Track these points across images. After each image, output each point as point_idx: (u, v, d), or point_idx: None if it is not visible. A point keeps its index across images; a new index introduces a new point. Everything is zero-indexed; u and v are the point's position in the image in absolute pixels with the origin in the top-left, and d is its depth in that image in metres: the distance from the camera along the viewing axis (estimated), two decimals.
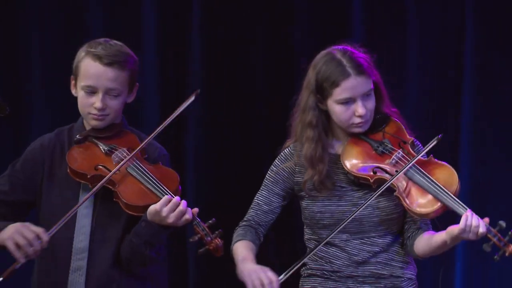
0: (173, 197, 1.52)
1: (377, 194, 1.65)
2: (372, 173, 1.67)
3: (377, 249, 1.72)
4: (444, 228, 1.66)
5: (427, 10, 4.10)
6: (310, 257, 1.78)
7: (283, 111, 4.66)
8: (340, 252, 1.74)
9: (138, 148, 1.52)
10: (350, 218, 1.62)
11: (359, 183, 1.72)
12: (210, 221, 1.59)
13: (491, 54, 4.14)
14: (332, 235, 1.63)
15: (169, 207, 1.52)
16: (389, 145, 1.71)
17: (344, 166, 1.71)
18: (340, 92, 1.69)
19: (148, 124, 3.14)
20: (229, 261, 2.66)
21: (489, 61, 4.04)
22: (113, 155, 1.56)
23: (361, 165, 1.69)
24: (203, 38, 5.07)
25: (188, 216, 1.55)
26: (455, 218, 1.75)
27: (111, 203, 1.51)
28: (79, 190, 1.58)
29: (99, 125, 1.59)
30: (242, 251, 1.67)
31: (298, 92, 1.82)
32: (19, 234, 1.41)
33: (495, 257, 1.60)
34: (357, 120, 1.70)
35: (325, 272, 1.73)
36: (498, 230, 1.59)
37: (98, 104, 1.56)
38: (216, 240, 1.57)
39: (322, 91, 1.74)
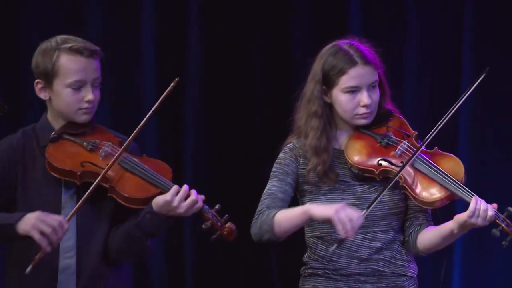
0: (181, 187, 1.53)
1: (392, 183, 1.64)
2: (377, 164, 1.67)
3: (379, 245, 1.72)
4: (446, 221, 1.66)
5: (427, 10, 4.10)
6: (309, 257, 1.78)
7: (283, 111, 4.66)
8: (341, 249, 1.74)
9: (129, 140, 1.51)
10: (375, 202, 1.62)
11: (363, 177, 1.72)
12: (216, 207, 1.59)
13: (491, 54, 4.15)
14: (370, 208, 1.61)
15: (180, 197, 1.51)
16: (394, 137, 1.71)
17: (349, 159, 1.70)
18: (347, 80, 1.69)
19: (147, 124, 3.14)
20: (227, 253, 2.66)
21: (489, 61, 4.05)
22: (100, 150, 1.55)
23: (365, 157, 1.69)
24: (203, 38, 5.07)
25: (200, 204, 1.55)
26: (454, 211, 1.75)
27: (94, 200, 1.51)
28: (60, 188, 1.56)
29: (87, 119, 1.59)
30: (293, 208, 1.67)
31: (303, 86, 1.81)
32: (43, 223, 1.40)
33: (503, 242, 1.61)
34: (362, 110, 1.70)
35: (327, 271, 1.73)
36: (506, 215, 1.60)
37: (90, 96, 1.55)
38: (229, 225, 1.58)
39: (328, 81, 1.75)
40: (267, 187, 1.74)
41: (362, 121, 1.72)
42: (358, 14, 4.76)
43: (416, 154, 1.65)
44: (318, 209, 1.61)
